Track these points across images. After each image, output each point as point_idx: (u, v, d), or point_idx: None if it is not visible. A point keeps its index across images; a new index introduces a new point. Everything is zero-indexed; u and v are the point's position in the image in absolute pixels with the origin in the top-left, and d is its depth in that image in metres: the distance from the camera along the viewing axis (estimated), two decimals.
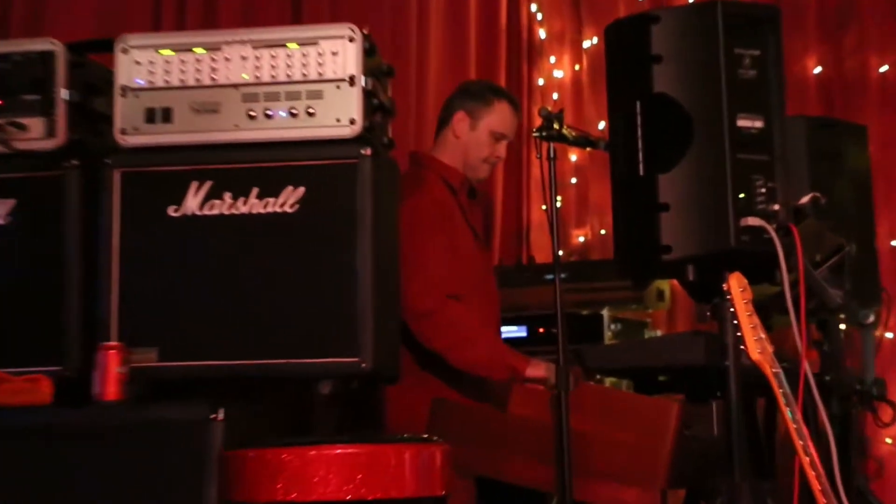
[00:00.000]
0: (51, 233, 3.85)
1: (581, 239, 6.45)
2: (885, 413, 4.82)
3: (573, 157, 6.22)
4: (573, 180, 6.47)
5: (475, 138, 4.94)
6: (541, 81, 6.79)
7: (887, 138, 5.72)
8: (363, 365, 3.69)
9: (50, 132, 3.86)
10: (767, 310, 3.86)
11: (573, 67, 6.76)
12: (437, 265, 4.73)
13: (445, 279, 4.74)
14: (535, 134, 4.37)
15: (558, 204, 4.47)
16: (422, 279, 4.66)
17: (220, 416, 3.45)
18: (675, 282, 5.21)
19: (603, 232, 6.42)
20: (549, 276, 4.79)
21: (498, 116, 4.94)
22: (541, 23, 6.83)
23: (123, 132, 3.71)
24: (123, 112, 3.73)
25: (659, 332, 5.57)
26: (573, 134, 4.41)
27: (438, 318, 4.66)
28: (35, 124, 3.86)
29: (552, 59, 6.73)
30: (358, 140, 3.76)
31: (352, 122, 3.74)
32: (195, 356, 3.72)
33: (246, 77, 3.79)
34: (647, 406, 4.55)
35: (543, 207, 6.41)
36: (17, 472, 3.53)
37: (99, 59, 3.96)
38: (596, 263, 5.59)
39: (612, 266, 4.84)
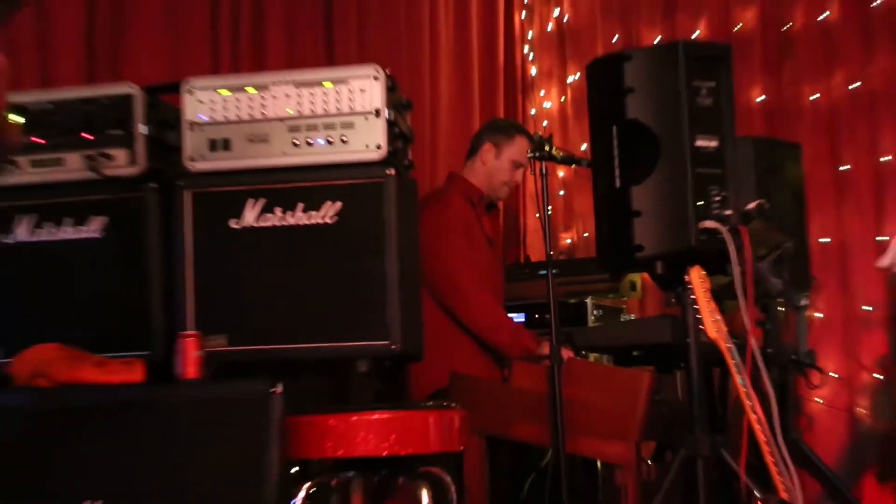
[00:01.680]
0: (136, 243, 3.90)
1: (568, 241, 6.54)
2: (815, 378, 4.91)
3: (560, 174, 6.25)
4: (561, 192, 6.56)
5: (498, 165, 5.04)
6: (533, 111, 6.89)
7: (817, 155, 5.76)
8: (393, 347, 3.77)
9: (132, 161, 3.90)
10: (721, 296, 3.95)
11: (559, 99, 6.80)
12: (467, 263, 4.88)
13: (475, 276, 4.90)
14: (529, 155, 4.48)
15: (549, 212, 4.57)
16: (465, 274, 4.84)
17: (279, 390, 3.49)
18: (645, 275, 5.32)
19: (586, 235, 6.50)
20: (543, 272, 4.80)
21: (518, 148, 5.01)
22: (532, 62, 6.91)
23: (192, 159, 3.80)
24: (191, 143, 3.83)
25: (632, 316, 5.64)
26: (561, 154, 4.48)
27: (483, 308, 4.85)
28: (119, 155, 3.88)
29: (542, 93, 6.74)
30: (383, 162, 3.84)
31: (378, 147, 3.82)
32: (257, 341, 3.83)
33: (290, 112, 3.85)
34: (624, 376, 4.59)
35: (537, 216, 6.54)
36: (116, 438, 3.64)
37: (169, 99, 4.02)
38: (581, 261, 5.59)
39: (594, 263, 4.94)
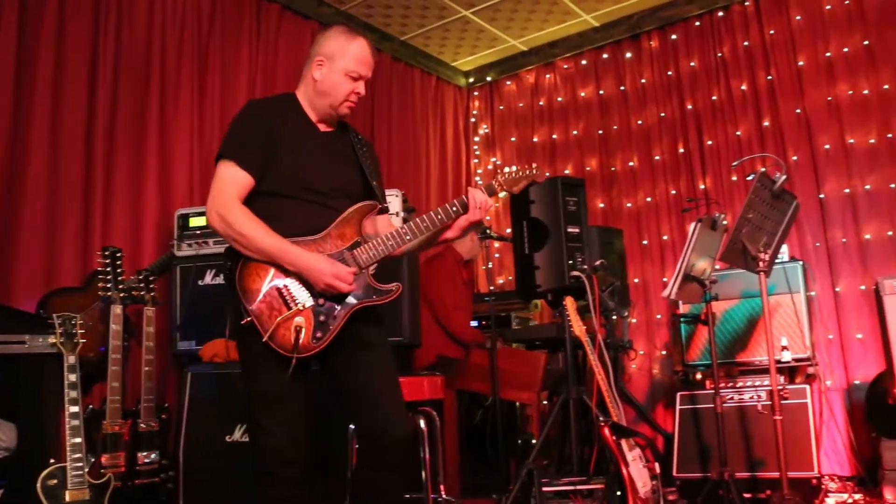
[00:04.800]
0: None
1: (500, 281, 6.33)
2: (632, 355, 4.91)
3: (496, 245, 6.19)
4: (496, 255, 6.38)
5: (473, 244, 4.86)
6: None
7: (631, 236, 5.77)
8: (404, 340, 3.73)
9: None
10: (582, 311, 3.88)
11: (495, 205, 6.69)
12: (450, 297, 4.73)
13: (454, 303, 4.74)
14: (480, 237, 4.43)
15: (490, 265, 4.52)
16: (452, 304, 4.68)
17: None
18: (543, 301, 5.19)
19: (510, 278, 6.28)
20: (488, 298, 4.81)
21: (472, 233, 4.85)
22: (480, 184, 6.81)
23: None
24: None
25: (535, 322, 5.51)
26: (496, 235, 4.48)
27: (458, 321, 4.66)
28: None
29: None
30: None
31: None
32: None
33: None
34: (531, 355, 4.54)
35: (483, 268, 6.48)
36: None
37: None
38: (507, 293, 5.50)
39: (515, 294, 4.93)
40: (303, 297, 2.31)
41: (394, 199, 3.84)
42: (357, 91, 2.50)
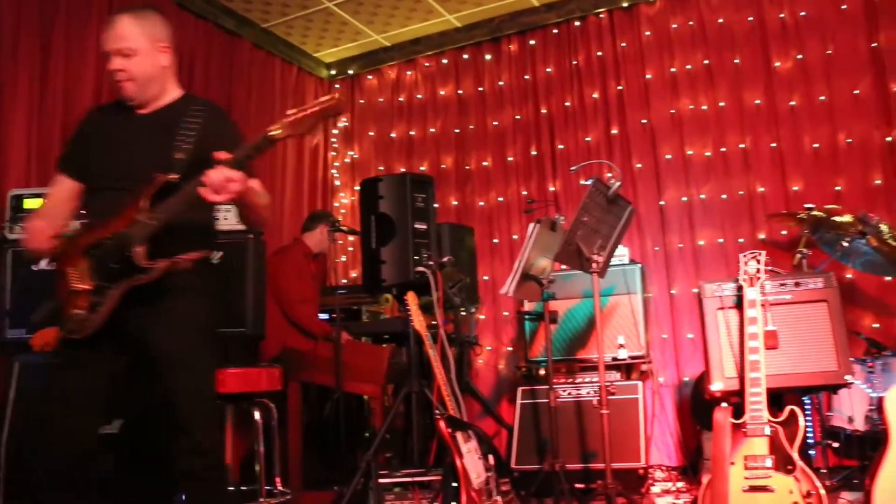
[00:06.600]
0: None
1: (354, 275, 6.26)
2: (478, 350, 5.05)
3: (351, 238, 6.18)
4: (350, 248, 6.38)
5: (323, 237, 4.91)
6: (336, 204, 6.71)
7: (482, 234, 5.90)
8: (247, 332, 3.75)
9: None
10: (429, 306, 3.95)
11: (351, 199, 6.72)
12: (296, 290, 4.72)
13: (301, 296, 4.73)
14: (329, 229, 4.44)
15: (343, 258, 4.54)
16: (297, 296, 4.66)
17: None
18: (390, 295, 5.21)
19: (362, 272, 6.40)
20: (339, 291, 4.83)
21: (322, 226, 4.91)
22: (336, 178, 6.79)
23: None
24: None
25: (386, 316, 5.52)
26: (346, 228, 4.51)
27: (304, 313, 4.64)
28: None
29: (342, 195, 6.72)
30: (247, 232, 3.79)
31: None
32: None
33: None
34: (377, 349, 4.62)
35: (337, 261, 6.49)
36: None
37: None
38: (358, 286, 5.49)
39: (363, 288, 4.94)
40: (80, 280, 2.39)
41: None
42: (111, 68, 2.56)
